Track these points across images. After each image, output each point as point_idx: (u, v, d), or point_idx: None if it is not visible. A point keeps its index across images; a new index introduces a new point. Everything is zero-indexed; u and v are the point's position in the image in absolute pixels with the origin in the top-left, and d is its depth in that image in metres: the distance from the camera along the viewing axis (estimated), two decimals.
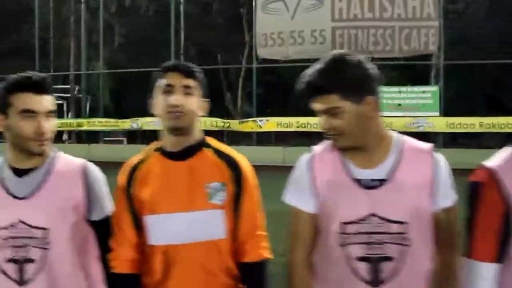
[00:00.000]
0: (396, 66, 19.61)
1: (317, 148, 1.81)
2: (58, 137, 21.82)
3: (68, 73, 24.75)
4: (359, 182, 1.66)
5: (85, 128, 22.64)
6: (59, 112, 21.92)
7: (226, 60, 23.71)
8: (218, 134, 20.99)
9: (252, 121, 19.59)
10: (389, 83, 18.67)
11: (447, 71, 17.61)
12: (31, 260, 1.71)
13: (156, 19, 23.17)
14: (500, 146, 1.60)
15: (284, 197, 1.82)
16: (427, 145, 1.73)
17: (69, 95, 24.78)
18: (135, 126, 22.02)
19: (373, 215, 1.63)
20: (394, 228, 1.62)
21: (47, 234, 1.72)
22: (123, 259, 1.82)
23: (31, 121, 1.69)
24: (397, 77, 18.75)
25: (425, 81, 18.80)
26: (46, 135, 1.71)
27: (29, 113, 1.69)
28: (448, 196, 1.69)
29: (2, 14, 23.91)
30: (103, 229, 1.84)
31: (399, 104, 17.79)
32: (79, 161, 1.84)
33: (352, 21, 18.10)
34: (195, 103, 1.79)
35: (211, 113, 23.09)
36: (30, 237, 1.71)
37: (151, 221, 1.79)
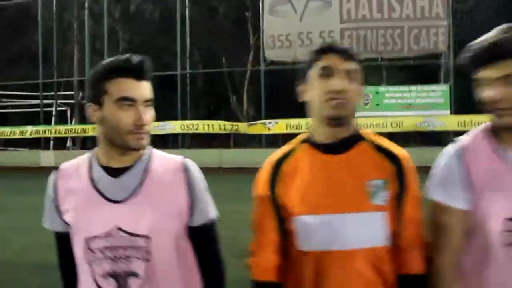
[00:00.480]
0: (405, 66, 19.68)
1: (465, 137, 1.58)
2: (62, 144, 21.61)
3: (71, 79, 24.59)
4: None
5: (90, 134, 22.46)
6: (63, 119, 21.82)
7: (231, 63, 23.67)
8: (224, 137, 20.97)
9: (261, 123, 19.53)
10: (399, 82, 18.71)
11: (457, 69, 17.68)
12: (134, 274, 1.44)
13: (161, 24, 23.12)
14: None
15: (427, 193, 1.60)
16: None
17: (73, 101, 24.63)
18: None
19: None
20: None
21: (149, 243, 1.45)
22: (267, 266, 1.59)
23: (129, 110, 1.44)
24: (407, 77, 18.82)
25: (435, 80, 18.85)
26: (146, 127, 1.46)
27: (127, 101, 1.44)
28: None
29: (5, 21, 23.76)
30: (202, 236, 1.58)
31: (410, 104, 17.81)
32: (178, 159, 1.57)
33: (360, 21, 18.15)
34: (357, 90, 1.55)
35: (217, 116, 23.03)
36: (132, 247, 1.45)
37: (302, 223, 1.53)
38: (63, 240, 1.53)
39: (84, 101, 24.19)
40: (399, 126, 17.65)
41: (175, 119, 20.88)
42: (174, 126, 20.70)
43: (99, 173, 1.49)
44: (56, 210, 1.51)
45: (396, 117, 17.68)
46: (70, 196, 1.50)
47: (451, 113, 17.70)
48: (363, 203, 1.50)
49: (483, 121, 1.59)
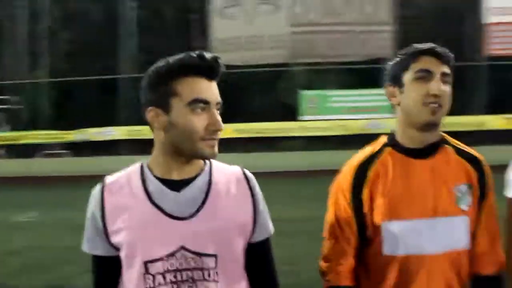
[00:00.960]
0: (352, 70, 20.07)
1: None
2: None
3: (4, 82, 23.22)
4: None
5: (23, 141, 21.34)
6: None
7: None
8: None
9: None
10: (346, 86, 19.02)
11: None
12: None
13: (104, 25, 22.31)
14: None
15: (507, 191, 1.63)
16: None
17: (6, 106, 23.28)
18: (80, 137, 21.03)
19: None
20: None
21: (218, 263, 1.30)
22: (347, 271, 1.59)
23: (202, 114, 1.26)
24: (353, 81, 19.17)
25: (381, 84, 19.26)
26: (219, 133, 1.28)
27: (201, 103, 1.25)
28: None
29: None
30: (262, 253, 1.42)
31: (356, 107, 18.15)
32: (238, 169, 1.41)
33: (309, 25, 18.35)
34: (451, 94, 1.51)
35: None
36: (199, 268, 1.29)
37: (390, 228, 1.53)
38: (107, 266, 1.32)
39: (19, 106, 23.19)
40: (346, 129, 17.98)
41: (118, 124, 20.20)
42: (117, 132, 20.01)
43: (156, 186, 1.30)
44: (103, 230, 1.29)
45: (342, 121, 18.02)
46: (122, 214, 1.29)
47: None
48: (452, 208, 1.53)
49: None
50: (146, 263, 1.27)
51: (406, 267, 1.53)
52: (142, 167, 1.33)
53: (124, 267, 1.29)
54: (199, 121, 1.24)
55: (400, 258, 1.52)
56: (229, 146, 22.30)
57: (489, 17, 18.40)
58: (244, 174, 1.38)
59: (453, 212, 1.53)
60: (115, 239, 1.28)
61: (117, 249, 1.29)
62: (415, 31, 18.53)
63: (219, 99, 1.28)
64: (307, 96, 18.59)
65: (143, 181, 1.31)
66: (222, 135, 1.31)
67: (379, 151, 1.60)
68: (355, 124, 17.79)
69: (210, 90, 1.27)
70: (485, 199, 1.57)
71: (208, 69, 1.26)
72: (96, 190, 1.32)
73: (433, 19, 19.74)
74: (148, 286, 1.26)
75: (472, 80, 19.35)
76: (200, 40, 22.50)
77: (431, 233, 1.52)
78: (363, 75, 18.82)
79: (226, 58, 19.53)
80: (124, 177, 1.34)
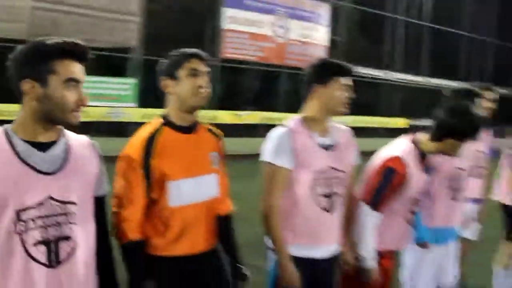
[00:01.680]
0: (98, 56, 19.78)
1: (289, 124, 2.62)
2: None
3: None
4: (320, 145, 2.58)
5: None
6: None
7: None
8: None
9: None
10: (91, 73, 18.77)
11: (146, 65, 18.88)
12: (66, 238, 1.60)
13: None
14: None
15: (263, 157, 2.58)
16: None
17: None
18: None
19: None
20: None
21: (77, 209, 1.64)
22: (138, 226, 2.14)
23: (73, 91, 1.61)
24: (98, 68, 19.03)
25: (124, 73, 19.63)
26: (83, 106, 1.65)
27: (74, 82, 1.61)
28: None
29: None
30: (101, 206, 1.82)
31: (100, 94, 18.12)
32: (86, 138, 1.80)
33: (54, 3, 17.42)
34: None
35: None
36: (63, 214, 1.60)
37: (174, 185, 2.17)
38: None
39: None
40: (88, 116, 17.81)
41: None
42: None
43: (24, 147, 1.57)
44: None
45: (85, 107, 17.73)
46: None
47: (138, 106, 18.90)
48: (210, 168, 2.29)
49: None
50: (18, 212, 1.53)
51: (185, 214, 2.19)
52: (6, 132, 1.59)
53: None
54: (71, 96, 1.60)
55: (181, 207, 2.18)
56: None
57: (226, 24, 20.58)
58: (90, 141, 1.79)
59: (211, 171, 2.28)
60: None
61: None
62: (161, 26, 19.46)
63: (84, 79, 1.65)
64: None
65: (10, 143, 1.57)
66: None
67: (159, 129, 2.20)
68: (97, 111, 17.78)
69: (81, 71, 1.64)
70: (222, 160, 2.39)
71: (81, 54, 1.63)
72: None
73: (179, 18, 21.01)
74: (19, 230, 1.53)
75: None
76: None
77: (199, 186, 2.22)
78: (108, 62, 18.81)
79: None
80: None
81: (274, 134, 2.60)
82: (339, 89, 2.60)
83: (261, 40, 21.62)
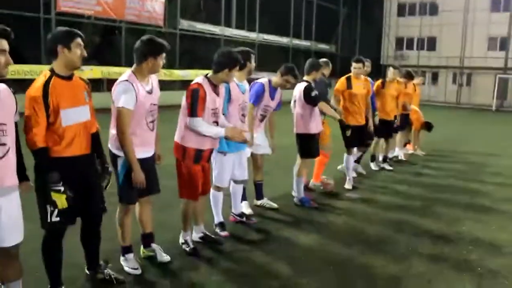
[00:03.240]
0: None
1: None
2: None
3: None
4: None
5: None
6: None
7: None
8: None
9: None
10: None
11: None
12: (3, 144, 2.96)
13: None
14: None
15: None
16: None
17: None
18: None
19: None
20: None
21: (7, 128, 3.00)
22: (43, 138, 3.43)
23: (3, 56, 2.94)
24: None
25: None
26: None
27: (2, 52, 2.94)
28: None
29: None
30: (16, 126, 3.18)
31: None
32: (4, 85, 3.08)
33: None
34: None
35: None
36: (1, 130, 2.95)
37: (65, 113, 3.50)
38: None
39: None
40: None
41: None
42: None
43: None
44: None
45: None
46: None
47: None
48: (85, 101, 3.68)
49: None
50: None
51: (72, 129, 3.55)
52: None
53: None
54: (1, 60, 2.92)
55: (69, 126, 3.53)
56: None
57: None
58: (7, 87, 3.10)
59: (85, 103, 3.68)
60: None
61: None
62: None
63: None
64: None
65: None
66: None
67: (50, 78, 3.48)
68: None
69: (6, 44, 2.94)
70: (90, 97, 3.79)
71: (4, 32, 2.93)
72: None
73: None
74: None
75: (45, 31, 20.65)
76: None
77: (79, 112, 3.62)
78: None
79: None
80: None
81: (120, 86, 4.03)
82: None
83: None
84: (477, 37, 37.64)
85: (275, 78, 6.16)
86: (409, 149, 11.85)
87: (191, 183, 4.64)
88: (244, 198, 6.20)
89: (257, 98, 5.92)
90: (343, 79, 8.09)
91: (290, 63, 6.47)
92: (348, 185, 7.96)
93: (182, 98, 4.62)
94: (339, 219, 6.29)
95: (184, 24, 26.77)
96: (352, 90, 7.91)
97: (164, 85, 25.02)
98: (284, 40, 35.02)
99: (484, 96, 36.26)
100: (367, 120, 8.23)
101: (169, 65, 23.42)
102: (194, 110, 4.44)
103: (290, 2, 34.89)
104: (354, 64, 7.94)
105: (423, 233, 5.77)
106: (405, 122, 10.68)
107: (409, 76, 10.28)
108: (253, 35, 31.87)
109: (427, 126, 11.52)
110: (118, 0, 22.38)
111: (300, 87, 6.62)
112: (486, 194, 7.96)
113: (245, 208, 6.25)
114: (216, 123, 4.67)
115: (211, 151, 4.78)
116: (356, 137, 7.85)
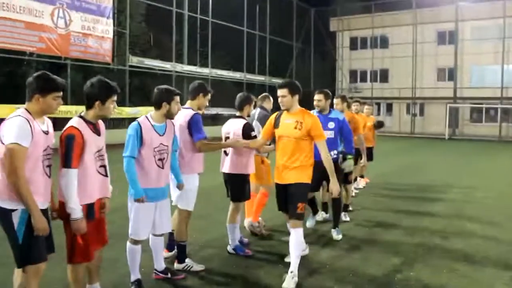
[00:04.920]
0: None
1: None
2: None
3: None
4: None
5: None
6: None
7: None
8: None
9: None
10: None
11: None
12: None
13: None
14: None
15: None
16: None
17: None
18: None
19: None
20: None
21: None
22: None
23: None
24: None
25: None
26: None
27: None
28: None
29: None
30: None
31: None
32: None
33: None
34: None
35: None
36: None
37: None
38: None
39: None
40: None
41: None
42: None
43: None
44: None
45: None
46: None
47: None
48: None
49: None
50: None
51: None
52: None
53: None
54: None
55: None
56: None
57: None
58: None
59: None
60: None
61: None
62: None
63: None
64: None
65: None
66: None
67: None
68: None
69: None
70: None
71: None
72: None
73: None
74: None
75: None
76: None
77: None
78: None
79: None
80: None
81: (12, 121, 3.42)
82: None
83: (40, 30, 20.63)
84: (426, 69, 38.65)
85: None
86: (365, 181, 11.66)
87: (85, 243, 3.89)
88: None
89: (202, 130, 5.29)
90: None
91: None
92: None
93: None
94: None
95: (134, 60, 26.17)
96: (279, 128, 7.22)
97: (114, 123, 24.26)
98: (237, 75, 34.83)
99: (437, 125, 36.97)
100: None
101: (119, 103, 22.61)
102: (68, 160, 3.67)
103: (243, 37, 34.92)
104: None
105: (363, 284, 5.16)
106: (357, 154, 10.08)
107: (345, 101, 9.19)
108: (205, 71, 31.53)
109: (379, 124, 11.31)
110: (63, 37, 21.59)
111: (236, 124, 6.03)
112: (436, 231, 7.49)
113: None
114: (104, 167, 3.98)
115: (101, 199, 4.04)
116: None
